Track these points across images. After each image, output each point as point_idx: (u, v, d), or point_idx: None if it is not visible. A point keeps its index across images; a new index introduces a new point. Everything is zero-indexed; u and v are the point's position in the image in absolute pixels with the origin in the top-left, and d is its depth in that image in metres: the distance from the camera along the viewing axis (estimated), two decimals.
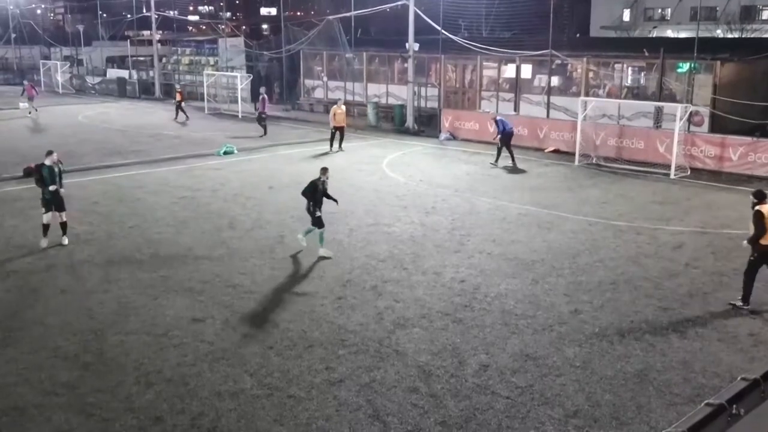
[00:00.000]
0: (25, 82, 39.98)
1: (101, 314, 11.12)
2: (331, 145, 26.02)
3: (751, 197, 11.54)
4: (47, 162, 14.61)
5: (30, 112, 35.76)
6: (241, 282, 12.53)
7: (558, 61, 29.61)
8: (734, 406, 2.12)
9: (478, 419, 8.15)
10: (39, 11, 69.03)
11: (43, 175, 14.44)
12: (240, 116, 35.15)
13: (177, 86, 39.39)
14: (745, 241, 11.34)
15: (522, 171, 22.50)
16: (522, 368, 9.35)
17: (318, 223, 13.88)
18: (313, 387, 8.88)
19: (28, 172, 21.25)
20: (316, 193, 13.83)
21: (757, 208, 11.15)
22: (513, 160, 23.13)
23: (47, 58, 55.59)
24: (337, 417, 8.20)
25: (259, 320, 10.92)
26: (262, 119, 29.83)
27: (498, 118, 23.91)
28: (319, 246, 13.91)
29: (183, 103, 35.10)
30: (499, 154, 23.23)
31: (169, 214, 17.03)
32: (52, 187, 14.32)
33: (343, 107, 26.86)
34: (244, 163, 23.79)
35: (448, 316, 11.07)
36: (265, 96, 30.84)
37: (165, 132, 30.64)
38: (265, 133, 29.54)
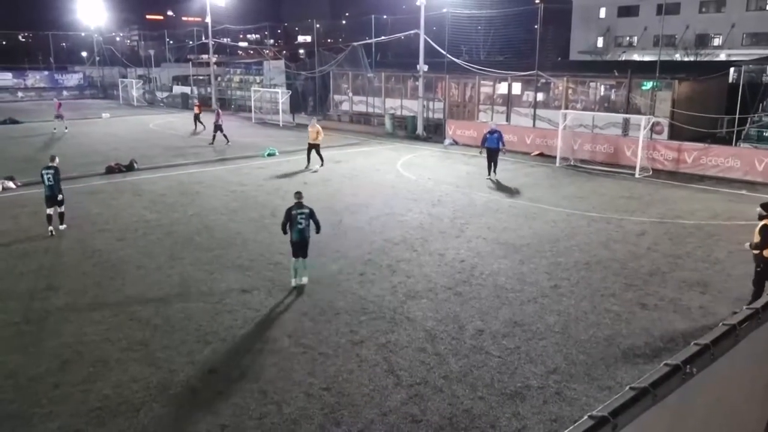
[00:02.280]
0: (55, 100, 35.84)
1: (168, 286, 11.20)
2: (308, 162, 22.25)
3: (760, 209, 9.60)
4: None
5: (55, 128, 31.62)
6: (281, 261, 12.54)
7: (543, 80, 29.35)
8: (688, 366, 2.10)
9: (474, 374, 8.13)
10: (118, 38, 69.40)
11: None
12: (281, 125, 35.15)
13: (195, 100, 38.72)
14: (748, 245, 9.82)
15: (511, 171, 22.33)
16: (511, 333, 9.32)
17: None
18: (339, 346, 8.90)
19: (110, 170, 21.46)
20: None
21: (764, 222, 9.42)
22: (492, 171, 20.70)
23: (124, 76, 55.90)
24: (359, 371, 8.22)
25: (295, 292, 10.94)
26: (219, 128, 28.19)
27: (491, 129, 21.01)
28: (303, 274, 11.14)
29: (201, 115, 33.44)
30: (489, 166, 20.76)
31: (222, 205, 17.09)
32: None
33: (318, 126, 22.66)
34: (284, 163, 23.80)
35: (450, 289, 11.04)
36: (219, 109, 29.99)
37: (219, 137, 30.67)
38: (227, 141, 27.93)
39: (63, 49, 69.58)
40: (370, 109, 36.41)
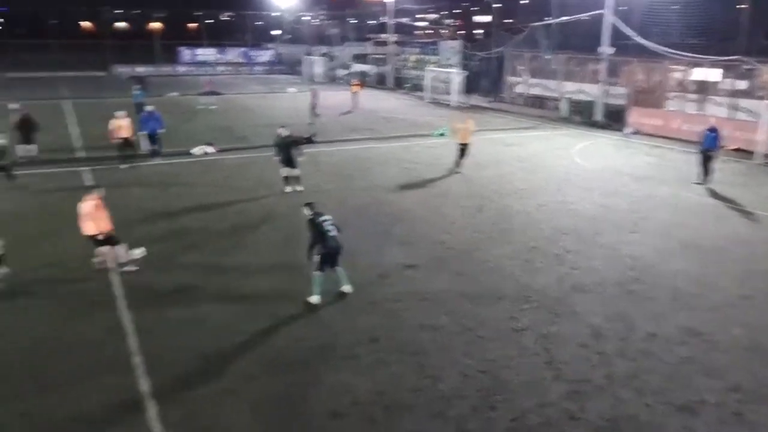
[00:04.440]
0: (206, 78, 36.09)
1: None
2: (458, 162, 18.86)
3: None
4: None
5: (210, 105, 32.43)
6: (446, 240, 12.64)
7: (746, 66, 26.24)
8: None
9: (641, 379, 7.63)
10: (306, 18, 73.53)
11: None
12: (454, 105, 35.09)
13: (354, 79, 37.76)
14: None
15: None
16: (687, 341, 8.58)
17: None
18: (498, 331, 8.81)
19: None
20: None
21: None
22: (703, 176, 17.74)
23: (309, 54, 59.07)
24: (518, 359, 8.08)
25: (456, 273, 10.95)
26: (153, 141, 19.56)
27: (711, 126, 18.00)
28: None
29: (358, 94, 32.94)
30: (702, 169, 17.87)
31: (391, 181, 17.49)
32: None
33: (471, 122, 19.29)
34: (455, 143, 23.76)
35: (620, 286, 10.41)
36: (153, 113, 19.55)
37: (394, 115, 31.42)
38: (159, 153, 19.66)
39: (258, 28, 75.17)
40: (546, 93, 35.13)
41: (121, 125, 18.09)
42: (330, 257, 9.56)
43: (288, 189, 15.90)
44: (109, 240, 10.48)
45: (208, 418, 6.79)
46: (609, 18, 28.46)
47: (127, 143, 18.25)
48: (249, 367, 7.80)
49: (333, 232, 9.57)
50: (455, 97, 35.75)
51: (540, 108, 34.30)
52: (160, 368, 7.70)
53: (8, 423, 6.67)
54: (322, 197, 15.59)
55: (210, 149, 21.14)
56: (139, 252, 10.92)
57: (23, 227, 10.05)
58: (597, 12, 29.52)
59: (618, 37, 29.34)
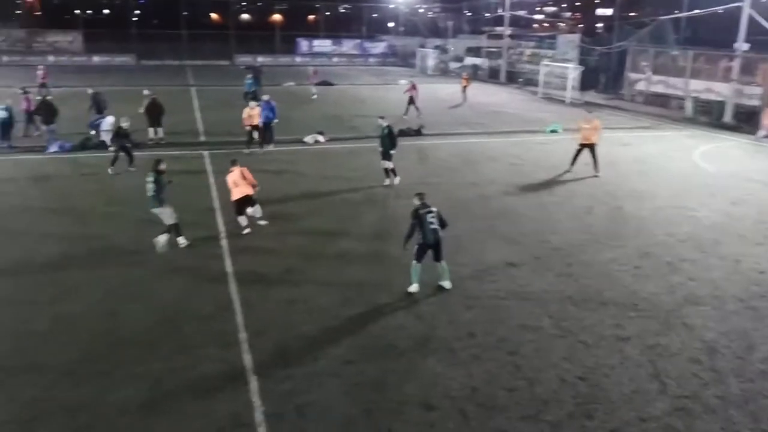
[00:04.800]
0: (311, 68, 37.80)
1: None
2: (573, 162, 17.74)
3: None
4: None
5: (314, 94, 33.64)
6: (552, 240, 12.29)
7: None
8: None
9: (759, 403, 7.08)
10: (421, 10, 73.66)
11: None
12: (568, 101, 33.91)
13: (464, 73, 37.75)
14: None
15: None
16: None
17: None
18: (602, 338, 8.48)
19: (401, 133, 22.95)
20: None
21: None
22: None
23: (423, 46, 59.05)
24: (620, 368, 7.75)
25: (560, 274, 10.65)
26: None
27: None
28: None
29: (467, 88, 32.12)
30: None
31: (499, 177, 17.22)
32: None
33: (597, 122, 17.83)
34: (566, 141, 22.85)
35: (741, 302, 9.68)
36: (269, 103, 20.29)
37: (504, 110, 30.84)
38: (271, 140, 20.21)
39: (373, 20, 76.22)
40: (669, 91, 33.09)
41: (253, 114, 19.16)
42: (428, 249, 9.59)
43: (387, 182, 15.96)
44: (251, 202, 12.24)
45: (305, 396, 7.05)
46: (747, 11, 26.31)
47: (255, 129, 19.25)
48: (346, 351, 8.02)
49: (434, 225, 9.54)
50: (569, 93, 34.47)
51: (661, 107, 32.41)
52: (263, 345, 8.10)
53: (122, 384, 7.27)
54: (427, 190, 15.44)
55: (321, 138, 21.77)
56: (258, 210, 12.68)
57: (146, 205, 10.94)
58: (733, 5, 27.41)
59: (755, 32, 27.06)
